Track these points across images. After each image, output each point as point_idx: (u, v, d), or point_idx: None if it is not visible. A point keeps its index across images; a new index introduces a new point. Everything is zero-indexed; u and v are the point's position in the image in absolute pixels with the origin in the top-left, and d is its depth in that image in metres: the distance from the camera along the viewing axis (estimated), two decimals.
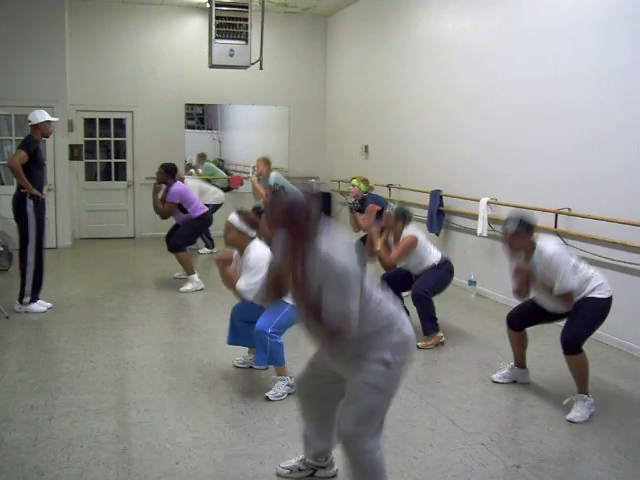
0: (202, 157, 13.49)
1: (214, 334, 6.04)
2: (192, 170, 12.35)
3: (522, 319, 4.84)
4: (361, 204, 7.79)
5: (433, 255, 5.96)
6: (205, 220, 8.46)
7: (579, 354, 4.35)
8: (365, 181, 7.94)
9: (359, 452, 2.95)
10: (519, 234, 4.39)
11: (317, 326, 2.89)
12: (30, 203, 6.68)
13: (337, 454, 3.56)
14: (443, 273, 5.98)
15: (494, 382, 4.94)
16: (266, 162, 9.31)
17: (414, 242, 5.86)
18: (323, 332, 2.87)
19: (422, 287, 5.84)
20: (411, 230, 5.92)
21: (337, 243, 2.89)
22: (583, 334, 4.40)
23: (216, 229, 8.76)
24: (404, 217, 5.97)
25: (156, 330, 6.35)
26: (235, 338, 5.09)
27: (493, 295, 7.50)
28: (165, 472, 3.56)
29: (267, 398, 4.57)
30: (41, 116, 6.77)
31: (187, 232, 8.30)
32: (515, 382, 4.93)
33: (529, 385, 4.91)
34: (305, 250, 2.88)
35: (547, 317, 4.71)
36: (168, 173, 8.11)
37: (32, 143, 6.72)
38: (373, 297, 2.97)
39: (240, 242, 4.77)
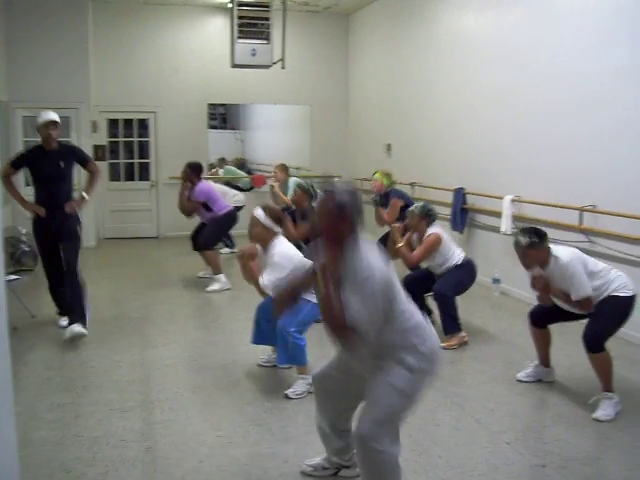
0: (222, 161, 13.58)
1: (238, 333, 6.06)
2: (214, 170, 12.40)
3: (544, 316, 4.80)
4: (384, 198, 7.79)
5: (456, 255, 5.94)
6: (231, 218, 8.48)
7: (602, 352, 4.31)
8: (388, 175, 7.89)
9: (374, 452, 2.93)
10: (533, 245, 4.37)
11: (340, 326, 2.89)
12: (33, 220, 6.16)
13: None
14: (465, 273, 5.96)
15: (519, 381, 4.91)
16: (283, 168, 9.28)
17: (438, 241, 5.84)
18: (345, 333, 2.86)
19: (444, 287, 5.82)
20: (435, 229, 5.91)
21: (372, 247, 2.93)
22: (605, 332, 4.37)
23: (237, 229, 8.82)
24: (428, 216, 5.95)
25: (181, 329, 6.39)
26: (259, 337, 5.11)
27: (517, 293, 7.45)
28: (189, 470, 3.58)
29: (286, 396, 4.59)
30: (39, 118, 5.94)
31: (214, 230, 8.34)
32: (540, 381, 4.89)
33: (554, 384, 4.87)
34: (346, 250, 2.89)
35: (570, 315, 4.67)
36: (194, 172, 8.15)
37: (23, 153, 6.20)
38: (402, 305, 2.99)
39: (265, 237, 4.76)
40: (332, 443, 3.43)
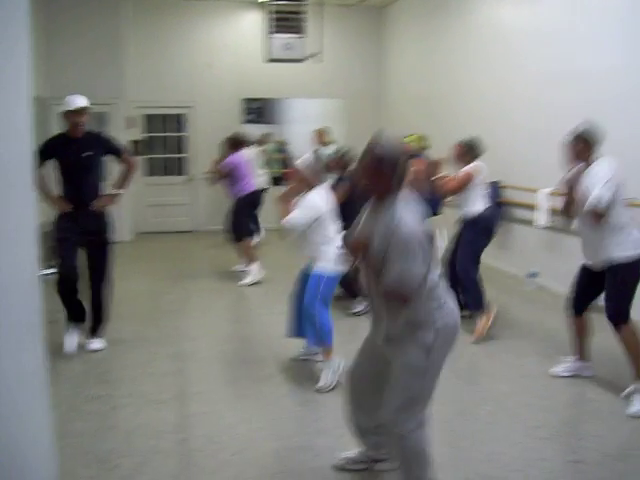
0: (267, 136, 13.48)
1: (273, 326, 6.07)
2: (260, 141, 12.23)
3: (580, 300, 4.73)
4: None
5: (479, 203, 5.88)
6: (254, 198, 8.60)
7: (627, 324, 4.29)
8: (420, 138, 7.68)
9: (401, 436, 2.96)
10: (584, 138, 4.42)
11: (377, 287, 2.95)
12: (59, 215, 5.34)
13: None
14: (478, 232, 5.90)
15: (556, 375, 4.85)
16: (323, 133, 9.24)
17: (470, 177, 5.81)
18: (382, 295, 2.93)
19: (463, 264, 5.87)
20: (474, 166, 5.86)
21: (411, 208, 2.94)
22: (622, 301, 4.35)
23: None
24: (473, 150, 5.92)
25: (216, 322, 6.43)
26: (294, 330, 5.13)
27: (554, 287, 7.36)
28: (223, 463, 3.61)
29: (318, 391, 4.61)
30: (67, 105, 5.25)
31: (239, 218, 8.40)
32: (577, 375, 4.83)
33: (591, 379, 4.80)
34: (383, 205, 2.94)
35: (599, 286, 4.58)
36: (231, 145, 8.38)
37: (47, 141, 5.28)
38: (431, 277, 2.97)
39: (309, 183, 4.82)
40: (368, 437, 3.43)
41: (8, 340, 1.47)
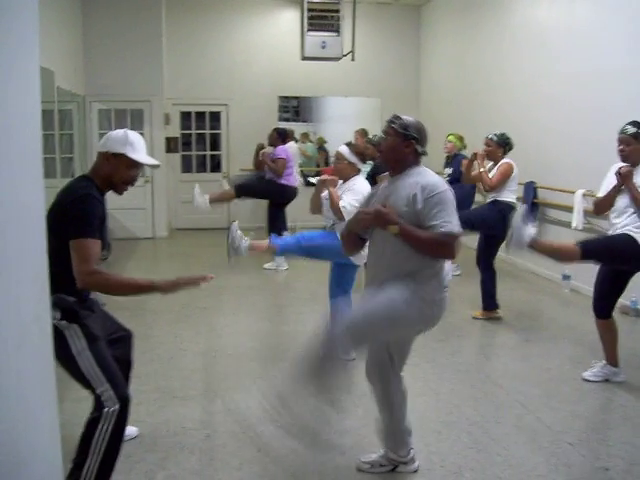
0: (305, 136, 13.59)
1: (303, 324, 6.08)
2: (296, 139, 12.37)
3: (604, 301, 4.64)
4: (451, 159, 8.12)
5: (511, 193, 6.04)
6: (288, 192, 8.68)
7: None
8: (461, 138, 8.09)
9: (330, 339, 2.99)
10: (638, 136, 4.37)
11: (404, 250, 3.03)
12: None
13: (417, 449, 3.54)
14: (494, 214, 5.98)
15: (585, 380, 4.76)
16: (363, 133, 9.42)
17: (510, 169, 5.96)
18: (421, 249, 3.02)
19: (483, 256, 6.16)
20: (509, 159, 6.04)
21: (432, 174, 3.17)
22: None
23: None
24: (505, 144, 6.08)
25: (246, 319, 6.45)
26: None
27: (588, 290, 7.18)
28: (246, 459, 3.61)
29: None
30: (146, 159, 3.29)
31: (274, 213, 8.72)
32: (607, 381, 4.73)
33: (622, 384, 4.70)
34: (404, 175, 3.14)
35: (624, 280, 4.55)
36: (280, 136, 8.71)
37: (96, 206, 3.01)
38: None
39: (347, 172, 4.97)
40: (390, 439, 3.41)
41: (15, 334, 1.47)
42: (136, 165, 3.18)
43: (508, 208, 5.92)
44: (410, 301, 2.99)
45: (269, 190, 8.59)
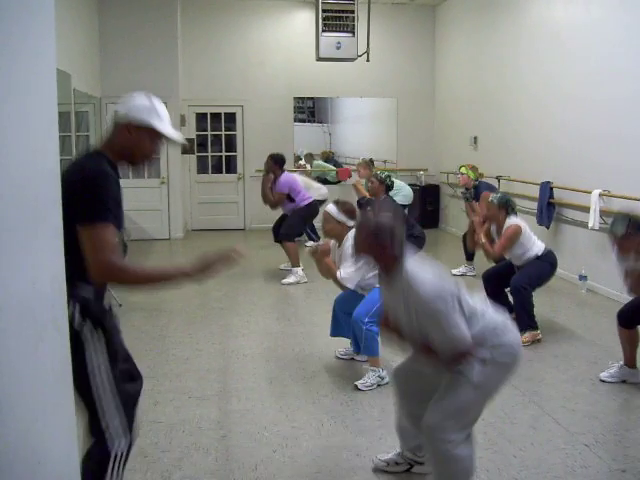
0: (310, 157, 13.66)
1: (317, 325, 6.09)
2: (301, 162, 12.48)
3: (633, 315, 4.61)
4: (474, 191, 7.78)
5: (537, 246, 5.76)
6: (312, 209, 8.49)
7: None
8: (474, 168, 7.88)
9: (441, 444, 2.88)
10: (629, 236, 4.12)
11: (429, 353, 2.94)
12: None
13: None
14: (545, 265, 5.74)
15: (602, 381, 4.73)
16: (367, 165, 9.21)
17: (518, 231, 5.66)
18: (440, 357, 2.90)
19: (522, 280, 5.64)
20: (514, 220, 5.75)
21: (424, 264, 2.91)
22: None
23: (318, 221, 8.84)
24: (507, 206, 5.78)
25: (261, 320, 6.46)
26: (337, 330, 5.14)
27: (605, 291, 7.19)
28: (262, 460, 3.62)
29: (356, 387, 4.60)
30: (175, 135, 2.85)
31: (295, 221, 8.38)
32: (624, 382, 4.69)
33: (639, 386, 4.67)
34: (393, 276, 2.91)
35: None
36: (276, 163, 8.22)
37: (113, 184, 2.63)
38: (475, 311, 2.93)
39: (339, 232, 4.76)
40: (410, 439, 3.40)
41: (32, 335, 1.48)
42: (161, 137, 2.77)
43: (550, 254, 5.80)
44: (476, 381, 2.88)
45: (300, 216, 8.40)
